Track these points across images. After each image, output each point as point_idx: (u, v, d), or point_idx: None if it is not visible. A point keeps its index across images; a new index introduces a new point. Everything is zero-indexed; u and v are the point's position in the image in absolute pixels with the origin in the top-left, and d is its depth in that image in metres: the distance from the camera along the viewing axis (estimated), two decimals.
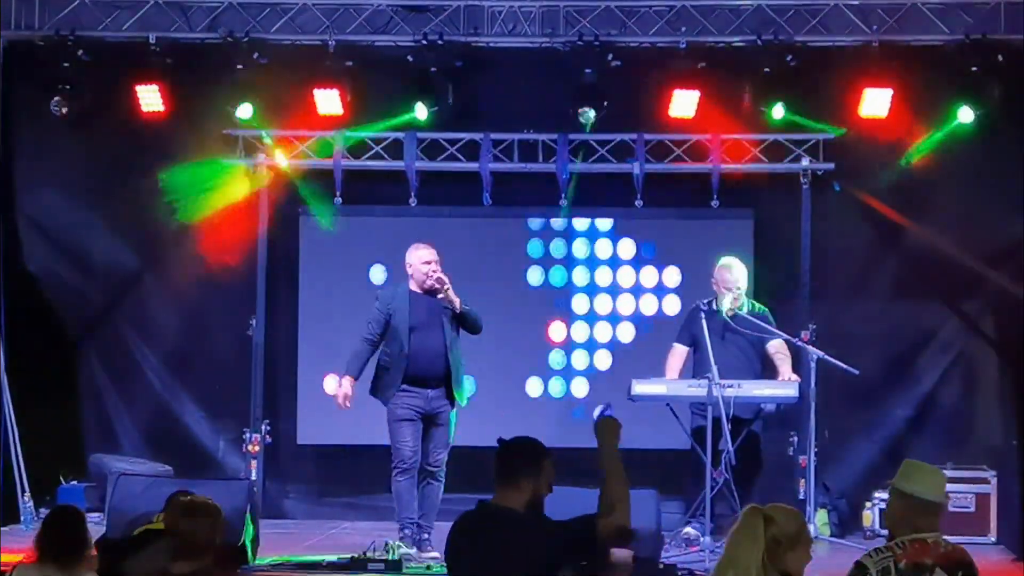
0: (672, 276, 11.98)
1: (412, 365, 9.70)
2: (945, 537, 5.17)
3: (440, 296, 9.74)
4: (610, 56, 11.42)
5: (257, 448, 11.65)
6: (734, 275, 10.51)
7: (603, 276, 12.12)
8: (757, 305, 10.70)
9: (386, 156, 11.92)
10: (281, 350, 12.13)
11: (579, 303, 12.12)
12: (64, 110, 11.51)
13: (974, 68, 11.10)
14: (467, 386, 10.01)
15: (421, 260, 9.83)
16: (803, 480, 10.65)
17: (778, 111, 11.33)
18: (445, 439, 9.80)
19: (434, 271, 9.78)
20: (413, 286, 9.85)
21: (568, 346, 12.12)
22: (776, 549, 4.87)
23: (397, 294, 9.90)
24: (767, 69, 11.30)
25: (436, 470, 9.79)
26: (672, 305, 11.94)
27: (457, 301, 9.75)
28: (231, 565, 6.04)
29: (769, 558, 4.86)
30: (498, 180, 11.92)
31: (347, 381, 9.85)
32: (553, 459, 5.64)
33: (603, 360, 12.05)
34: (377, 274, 12.13)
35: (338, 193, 11.90)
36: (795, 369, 10.53)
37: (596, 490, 9.13)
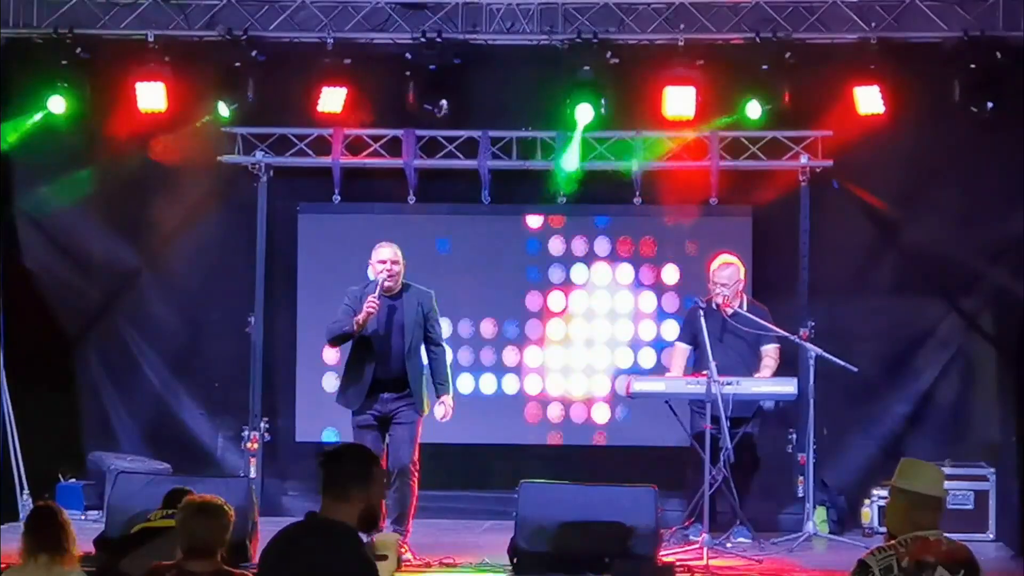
0: (671, 274, 11.97)
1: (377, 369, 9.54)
2: (946, 535, 5.17)
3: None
4: (608, 54, 11.42)
5: (256, 445, 11.65)
6: (721, 274, 10.48)
7: (601, 274, 12.12)
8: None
9: (385, 154, 11.92)
10: (280, 348, 12.12)
11: (577, 300, 12.12)
12: (62, 108, 11.52)
13: (972, 65, 11.10)
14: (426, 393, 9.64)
15: (378, 259, 9.61)
16: (802, 477, 10.65)
17: (754, 110, 11.35)
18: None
19: (388, 270, 9.54)
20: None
21: (567, 344, 12.13)
22: None
23: (365, 293, 9.63)
24: (765, 66, 11.30)
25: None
26: (671, 303, 11.94)
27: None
28: (234, 563, 6.03)
29: None
30: (497, 178, 11.92)
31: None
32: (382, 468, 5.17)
33: (602, 358, 12.05)
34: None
35: (337, 191, 11.90)
36: (794, 366, 10.52)
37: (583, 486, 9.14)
